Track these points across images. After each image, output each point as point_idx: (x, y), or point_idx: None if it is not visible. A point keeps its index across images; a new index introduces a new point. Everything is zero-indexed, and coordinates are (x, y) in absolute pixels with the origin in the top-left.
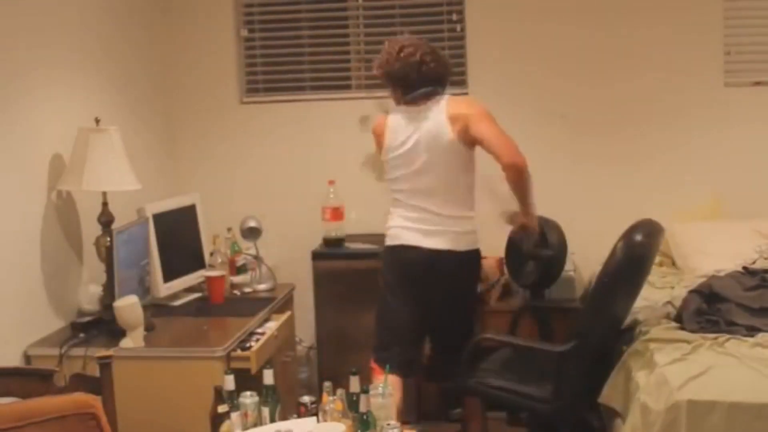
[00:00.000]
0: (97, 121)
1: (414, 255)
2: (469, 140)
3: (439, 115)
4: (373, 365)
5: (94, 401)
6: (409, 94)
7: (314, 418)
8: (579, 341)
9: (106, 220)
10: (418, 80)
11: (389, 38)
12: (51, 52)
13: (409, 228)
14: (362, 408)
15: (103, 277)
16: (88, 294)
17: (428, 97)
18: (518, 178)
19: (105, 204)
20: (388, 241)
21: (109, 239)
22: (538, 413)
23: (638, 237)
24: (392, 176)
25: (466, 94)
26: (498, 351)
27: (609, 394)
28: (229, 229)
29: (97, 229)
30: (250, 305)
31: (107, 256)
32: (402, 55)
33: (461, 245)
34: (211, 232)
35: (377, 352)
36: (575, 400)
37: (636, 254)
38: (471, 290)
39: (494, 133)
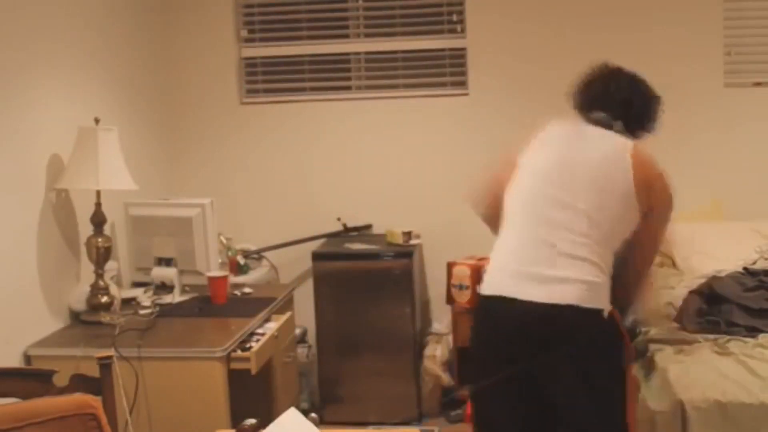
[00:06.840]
0: (97, 120)
1: None
2: None
3: None
4: None
5: (95, 402)
6: None
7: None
8: None
9: (98, 220)
10: None
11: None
12: (51, 51)
13: None
14: None
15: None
16: (77, 293)
17: None
18: None
19: (98, 204)
20: None
21: (100, 240)
22: None
23: None
24: None
25: (466, 95)
26: None
27: None
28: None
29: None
30: (251, 305)
31: (97, 257)
32: None
33: None
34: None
35: None
36: None
37: None
38: None
39: None
